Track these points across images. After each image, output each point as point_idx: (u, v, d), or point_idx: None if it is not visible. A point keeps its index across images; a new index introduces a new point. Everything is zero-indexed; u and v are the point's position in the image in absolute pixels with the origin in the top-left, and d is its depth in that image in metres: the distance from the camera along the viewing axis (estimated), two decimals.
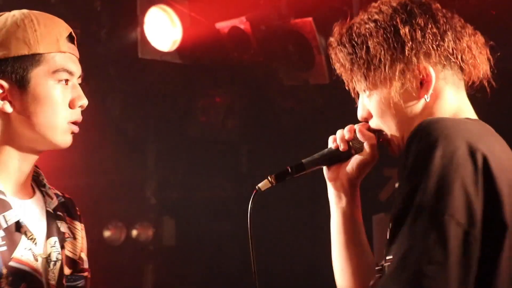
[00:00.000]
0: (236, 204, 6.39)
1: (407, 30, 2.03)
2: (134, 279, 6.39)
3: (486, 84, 2.13)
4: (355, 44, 2.07)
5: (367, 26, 2.07)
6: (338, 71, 2.14)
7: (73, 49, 2.29)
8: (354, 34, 2.09)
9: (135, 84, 5.67)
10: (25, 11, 2.27)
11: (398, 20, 2.05)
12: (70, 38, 2.29)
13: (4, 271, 2.12)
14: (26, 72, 2.19)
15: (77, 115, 2.29)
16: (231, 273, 6.16)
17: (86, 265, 2.44)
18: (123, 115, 5.99)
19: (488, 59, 2.11)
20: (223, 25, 5.20)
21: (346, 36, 2.10)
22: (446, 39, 2.04)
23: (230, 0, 5.05)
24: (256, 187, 2.25)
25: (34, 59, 2.20)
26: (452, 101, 2.07)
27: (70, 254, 2.36)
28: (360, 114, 2.16)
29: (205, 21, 5.20)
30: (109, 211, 6.31)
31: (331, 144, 2.21)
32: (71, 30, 2.30)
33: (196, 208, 6.43)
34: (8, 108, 2.20)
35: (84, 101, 2.30)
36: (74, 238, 2.41)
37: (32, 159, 2.28)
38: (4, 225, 2.16)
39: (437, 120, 1.90)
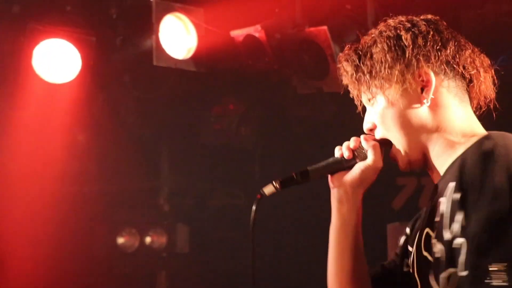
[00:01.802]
0: (249, 211, 6.40)
1: (409, 35, 2.09)
2: (147, 285, 6.41)
3: (491, 106, 2.17)
4: (360, 53, 2.14)
5: (372, 35, 2.15)
6: (344, 82, 2.19)
7: None
8: (360, 45, 2.16)
9: (149, 92, 5.69)
10: None
11: (402, 28, 2.12)
12: None
13: None
14: None
15: None
16: (244, 281, 6.16)
17: None
18: (137, 122, 6.01)
19: (494, 81, 2.15)
20: (238, 33, 5.20)
21: (353, 48, 2.17)
22: (448, 47, 2.09)
23: (245, 8, 5.06)
24: (261, 191, 2.25)
25: None
26: (459, 113, 2.12)
27: None
28: (366, 126, 2.20)
29: (220, 29, 5.21)
30: (123, 217, 6.33)
31: (336, 153, 2.23)
32: None
33: (209, 215, 6.45)
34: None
35: None
36: None
37: None
38: None
39: None
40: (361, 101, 2.19)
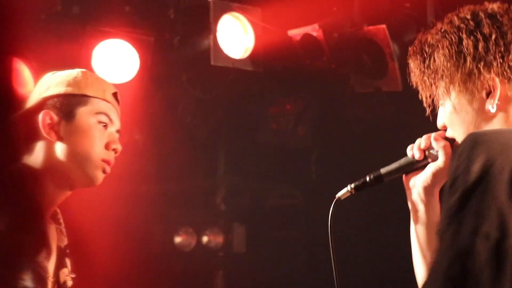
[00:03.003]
0: (305, 211, 6.38)
1: (470, 41, 2.03)
2: (204, 285, 6.43)
3: None
4: (425, 54, 2.10)
5: (436, 37, 2.10)
6: (413, 80, 2.16)
7: (116, 105, 2.58)
8: (426, 44, 2.12)
9: (207, 91, 5.70)
10: (84, 70, 2.60)
11: (464, 30, 2.05)
12: (115, 96, 2.58)
13: (25, 272, 2.29)
14: (73, 108, 2.49)
15: (110, 156, 2.53)
16: (301, 280, 6.14)
17: None
18: (194, 121, 6.03)
19: None
20: (296, 33, 5.19)
21: (419, 46, 2.13)
22: (511, 50, 2.02)
23: (302, 7, 5.04)
24: (336, 196, 2.29)
25: (81, 99, 2.50)
26: None
27: None
28: (439, 123, 2.18)
29: (277, 28, 5.20)
30: (180, 217, 6.36)
31: (408, 153, 2.23)
32: (117, 91, 2.60)
33: (266, 215, 6.44)
34: (53, 137, 2.46)
35: (118, 147, 2.54)
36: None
37: (63, 194, 2.51)
38: (36, 231, 2.38)
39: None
40: (427, 97, 2.14)
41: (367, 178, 2.26)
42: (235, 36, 5.17)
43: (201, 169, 6.37)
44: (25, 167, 2.43)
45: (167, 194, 6.24)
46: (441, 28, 2.11)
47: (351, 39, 5.04)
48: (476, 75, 2.02)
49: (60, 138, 2.46)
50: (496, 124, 2.04)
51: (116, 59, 5.04)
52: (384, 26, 4.84)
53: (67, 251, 2.56)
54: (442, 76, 2.06)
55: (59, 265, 2.48)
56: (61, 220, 2.58)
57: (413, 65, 2.14)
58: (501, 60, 2.01)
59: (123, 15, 5.11)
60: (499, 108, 2.03)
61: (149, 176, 6.15)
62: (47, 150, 2.46)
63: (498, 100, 2.02)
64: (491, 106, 2.03)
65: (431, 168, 2.19)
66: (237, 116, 6.18)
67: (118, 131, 2.57)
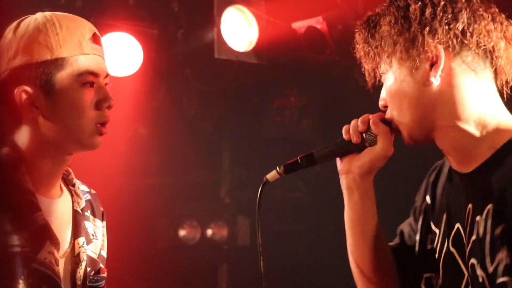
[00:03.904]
0: (310, 204, 6.38)
1: (417, 6, 1.94)
2: (208, 278, 6.43)
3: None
4: (371, 24, 2.02)
5: (384, 5, 2.02)
6: (357, 53, 2.08)
7: (98, 49, 2.26)
8: (373, 15, 2.04)
9: (211, 84, 5.70)
10: (48, 14, 2.25)
11: None
12: (95, 38, 2.26)
13: (26, 272, 2.11)
14: (50, 77, 2.18)
15: (104, 116, 2.25)
16: (306, 272, 6.14)
17: (104, 264, 2.42)
18: (198, 114, 6.03)
19: None
20: (300, 25, 5.18)
21: (366, 17, 2.06)
22: (459, 19, 1.92)
23: (306, 0, 5.04)
24: (264, 178, 2.19)
25: (57, 63, 2.19)
26: (475, 95, 1.93)
27: (91, 254, 2.35)
28: (380, 101, 2.09)
29: (281, 21, 5.19)
30: (184, 210, 6.37)
31: (345, 135, 2.12)
32: (95, 30, 2.28)
33: (270, 208, 6.44)
34: (36, 113, 2.20)
35: (111, 102, 2.25)
36: (96, 237, 2.39)
37: (65, 161, 2.28)
38: (33, 227, 2.16)
39: None
40: (371, 77, 2.07)
41: (298, 160, 2.15)
42: (239, 29, 5.17)
43: (205, 162, 6.37)
44: (11, 152, 2.20)
45: (171, 187, 6.24)
46: None
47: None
48: (420, 41, 1.91)
49: (43, 114, 2.19)
50: (439, 99, 1.94)
51: (120, 52, 5.04)
52: None
53: (86, 213, 2.35)
54: (385, 44, 1.95)
55: (75, 233, 2.28)
56: (75, 180, 2.36)
57: (359, 37, 2.05)
58: (447, 28, 1.91)
59: (127, 8, 5.10)
60: (443, 81, 1.93)
61: (153, 169, 6.15)
62: (33, 128, 2.20)
63: (442, 71, 1.92)
64: (434, 78, 1.92)
65: (368, 153, 2.08)
66: (241, 109, 6.17)
67: (106, 77, 2.27)
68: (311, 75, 5.78)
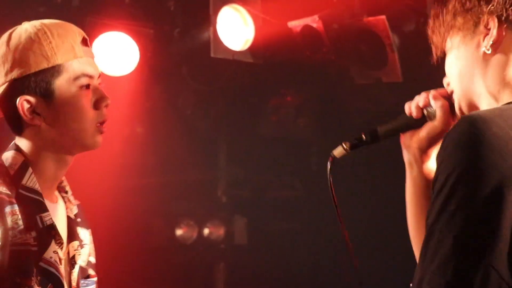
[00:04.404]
0: (306, 203, 6.38)
1: None
2: (205, 277, 6.43)
3: None
4: (443, 7, 2.05)
5: None
6: (429, 36, 2.10)
7: (88, 52, 2.35)
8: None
9: (207, 84, 5.70)
10: (36, 23, 2.33)
11: None
12: (84, 41, 2.34)
13: (35, 270, 2.19)
14: (49, 84, 2.27)
15: (103, 115, 2.34)
16: (302, 272, 6.15)
17: (94, 269, 2.51)
18: (195, 114, 6.03)
19: None
20: (296, 24, 5.18)
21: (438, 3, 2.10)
22: None
23: None
24: (331, 153, 2.23)
25: (54, 70, 2.27)
26: None
27: (80, 261, 2.43)
28: (444, 79, 2.11)
29: (277, 20, 5.19)
30: (181, 209, 6.36)
31: (406, 110, 2.15)
32: (83, 33, 2.36)
33: (267, 207, 6.44)
34: (38, 120, 2.29)
35: (108, 101, 2.34)
36: (86, 243, 2.48)
37: (67, 163, 2.36)
38: (40, 226, 2.24)
39: None
40: (438, 50, 2.09)
41: (363, 136, 2.19)
42: (235, 28, 5.17)
43: (202, 161, 6.36)
44: (18, 154, 2.29)
45: (168, 187, 6.24)
46: None
47: (351, 30, 5.03)
48: (477, 10, 1.96)
49: (46, 120, 2.28)
50: (485, 68, 1.98)
51: (116, 52, 5.05)
52: (383, 17, 4.83)
53: (78, 220, 2.43)
54: (448, 18, 2.01)
55: (70, 237, 2.37)
56: (67, 188, 2.44)
57: (432, 22, 2.08)
58: (503, 1, 1.95)
59: (123, 7, 5.11)
60: (494, 50, 1.97)
61: (150, 168, 6.15)
62: (35, 134, 2.30)
63: (494, 41, 1.96)
64: (485, 48, 1.96)
65: (427, 127, 2.12)
66: (238, 108, 6.17)
67: (99, 77, 2.35)
68: (307, 74, 5.78)
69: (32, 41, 2.28)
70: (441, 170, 1.78)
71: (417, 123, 2.13)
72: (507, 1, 1.96)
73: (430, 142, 2.13)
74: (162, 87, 5.73)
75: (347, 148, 2.19)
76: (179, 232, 6.31)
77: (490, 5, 1.96)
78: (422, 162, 2.15)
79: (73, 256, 2.36)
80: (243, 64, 5.28)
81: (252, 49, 5.22)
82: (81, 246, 2.41)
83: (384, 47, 4.87)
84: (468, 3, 1.98)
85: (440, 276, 1.71)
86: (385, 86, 5.28)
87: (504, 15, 1.96)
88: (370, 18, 4.93)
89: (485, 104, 1.98)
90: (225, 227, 6.37)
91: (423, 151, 2.14)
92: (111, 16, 5.03)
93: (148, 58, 5.14)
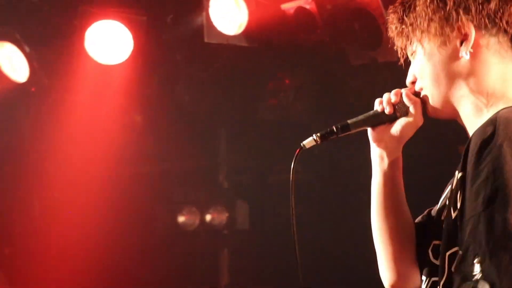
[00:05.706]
0: (309, 187, 6.37)
1: None
2: (209, 263, 6.44)
3: None
4: (406, 5, 2.14)
5: None
6: (390, 35, 2.21)
7: None
8: None
9: (203, 69, 5.68)
10: None
11: None
12: None
13: None
14: None
15: None
16: (305, 256, 6.13)
17: None
18: (192, 100, 6.00)
19: None
20: (289, 6, 5.15)
21: (400, 1, 2.17)
22: (491, 0, 2.05)
23: None
24: (301, 144, 2.34)
25: None
26: (496, 72, 2.08)
27: None
28: (408, 79, 2.21)
29: (270, 2, 5.15)
30: (182, 196, 6.37)
31: (377, 106, 2.25)
32: None
33: (269, 191, 6.43)
34: None
35: None
36: None
37: None
38: None
39: None
40: (403, 54, 2.19)
41: (334, 128, 2.27)
42: (228, 12, 5.12)
43: (202, 148, 6.36)
44: None
45: (168, 174, 6.24)
46: None
47: (345, 10, 4.99)
48: (454, 18, 2.06)
49: None
50: (464, 72, 2.08)
51: (110, 40, 5.03)
52: None
53: None
54: (420, 22, 2.09)
55: None
56: None
57: (392, 17, 2.18)
58: (480, 7, 2.04)
59: None
60: (472, 56, 2.07)
61: (150, 156, 6.15)
62: None
63: (472, 47, 2.06)
64: (464, 53, 2.06)
65: (401, 122, 2.22)
66: (235, 92, 6.14)
67: None
68: (303, 56, 5.75)
69: None
70: (503, 163, 1.85)
71: (388, 118, 2.23)
72: (484, 9, 2.04)
73: (402, 136, 2.23)
74: (157, 74, 5.71)
75: (317, 139, 2.30)
76: (181, 219, 6.32)
77: (468, 14, 2.05)
78: (393, 155, 2.25)
79: None
80: (238, 48, 5.25)
81: (246, 33, 5.18)
82: None
83: (378, 27, 4.84)
84: (443, 11, 2.06)
85: None
86: (381, 65, 5.25)
87: (483, 23, 2.05)
88: None
89: (468, 105, 2.09)
90: (228, 212, 6.37)
91: (395, 145, 2.25)
92: (104, 5, 5.01)
93: (142, 46, 5.11)
